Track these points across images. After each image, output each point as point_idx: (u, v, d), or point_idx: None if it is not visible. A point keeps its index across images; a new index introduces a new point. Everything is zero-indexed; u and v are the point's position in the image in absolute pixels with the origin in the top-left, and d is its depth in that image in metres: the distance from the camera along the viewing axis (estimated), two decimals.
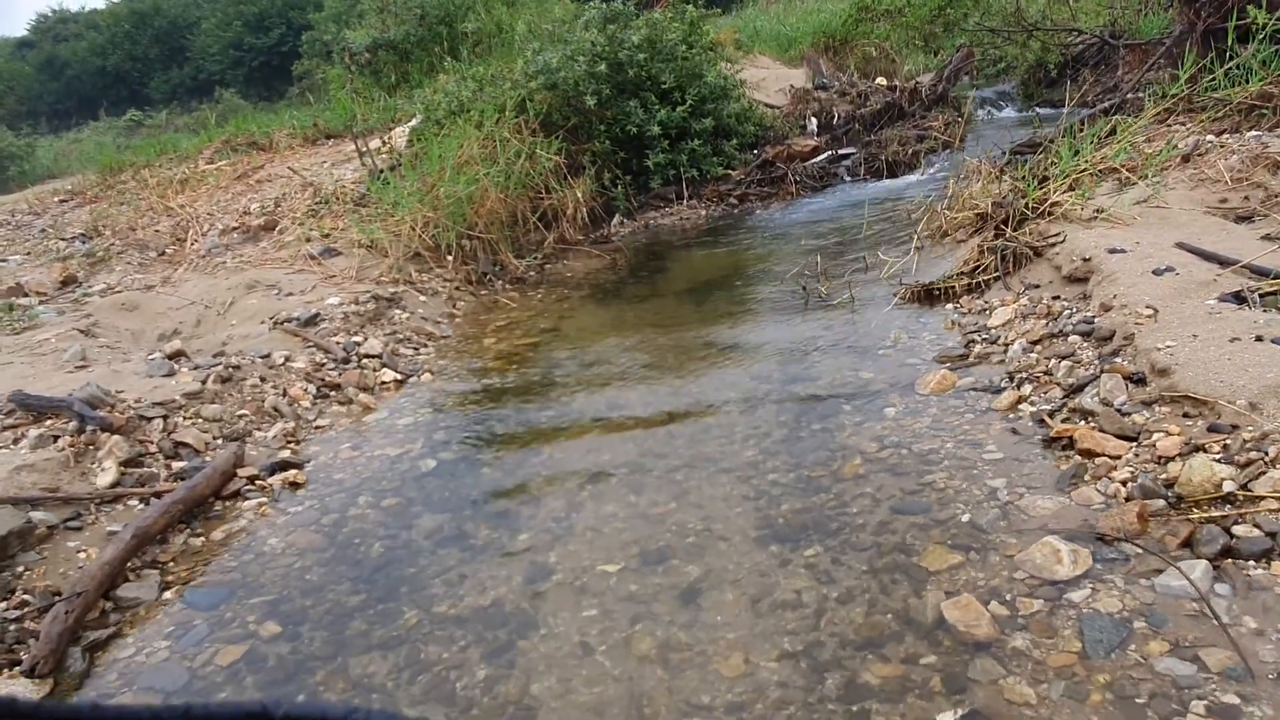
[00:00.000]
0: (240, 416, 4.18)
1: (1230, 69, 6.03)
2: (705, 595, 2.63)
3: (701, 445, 3.61)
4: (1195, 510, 2.40)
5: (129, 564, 3.07)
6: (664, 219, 8.62)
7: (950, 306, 4.60)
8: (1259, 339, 2.88)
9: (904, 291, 4.90)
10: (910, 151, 9.12)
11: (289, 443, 4.09)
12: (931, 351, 4.08)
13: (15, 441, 3.62)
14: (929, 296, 4.82)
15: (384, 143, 8.73)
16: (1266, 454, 2.40)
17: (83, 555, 3.11)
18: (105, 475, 3.49)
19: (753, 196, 8.92)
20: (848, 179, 9.14)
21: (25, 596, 2.86)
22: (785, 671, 2.25)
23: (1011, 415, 3.30)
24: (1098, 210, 4.67)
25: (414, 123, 9.05)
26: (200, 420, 4.05)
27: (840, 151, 9.55)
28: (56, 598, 2.84)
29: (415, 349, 5.33)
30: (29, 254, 7.92)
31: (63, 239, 8.24)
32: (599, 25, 8.99)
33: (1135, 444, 2.75)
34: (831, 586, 2.54)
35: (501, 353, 5.20)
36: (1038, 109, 10.25)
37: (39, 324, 5.48)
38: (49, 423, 3.73)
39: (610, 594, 2.72)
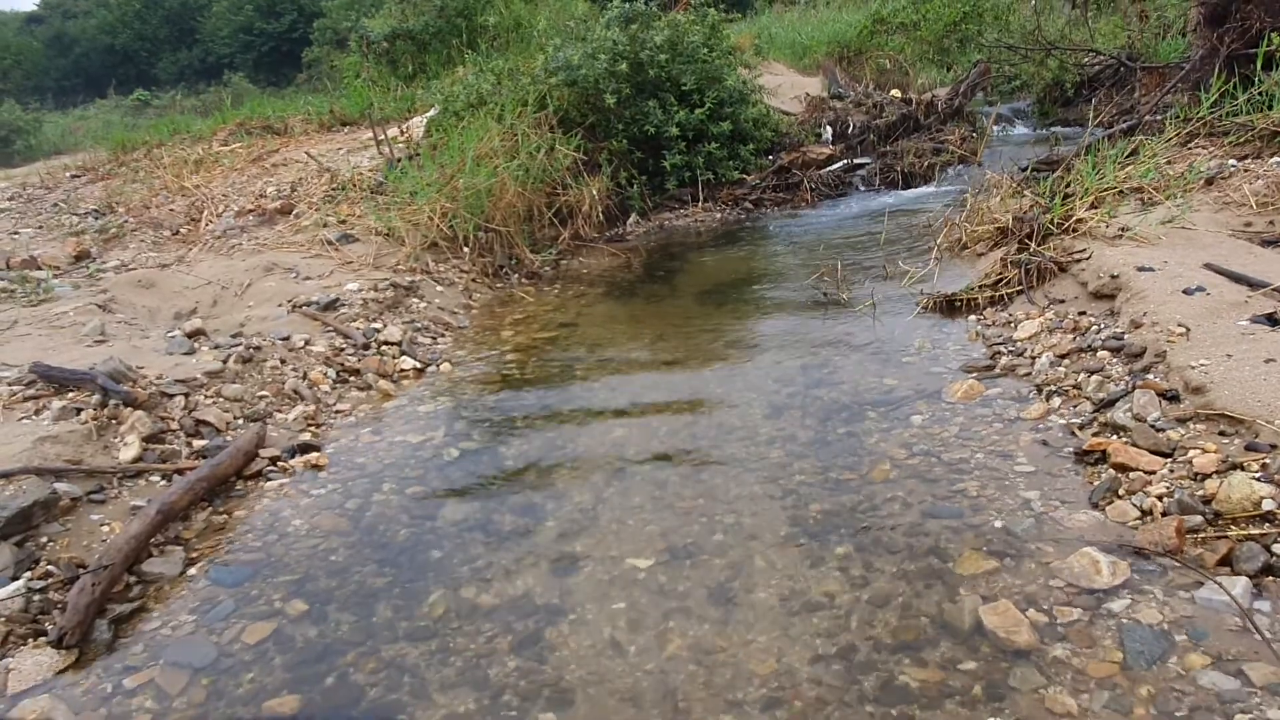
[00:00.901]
0: (261, 397, 4.17)
1: (1253, 95, 6.06)
2: (736, 591, 2.63)
3: (726, 445, 3.60)
4: (1234, 528, 2.40)
5: (153, 539, 3.05)
6: (678, 220, 8.63)
7: (973, 318, 4.61)
8: None
9: (926, 301, 4.91)
10: (926, 164, 9.14)
11: (310, 426, 4.07)
12: (956, 361, 4.08)
13: (38, 413, 3.60)
14: (951, 307, 4.82)
15: (402, 132, 8.72)
16: None
17: (106, 528, 3.09)
18: (128, 450, 3.47)
19: (767, 202, 8.93)
20: (862, 188, 9.17)
21: (50, 567, 2.84)
22: (821, 673, 2.24)
23: (1040, 427, 3.30)
24: (1123, 229, 4.69)
25: (432, 113, 9.04)
26: (221, 399, 4.04)
27: (855, 161, 9.57)
28: (81, 569, 2.82)
29: (433, 338, 5.32)
30: (41, 227, 7.88)
31: (75, 214, 8.21)
32: (620, 24, 8.99)
33: (1170, 460, 2.76)
34: (865, 589, 2.54)
35: (520, 345, 5.19)
36: (1054, 127, 10.28)
37: (55, 297, 5.45)
38: (71, 395, 3.71)
39: (639, 587, 2.71)
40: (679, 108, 8.62)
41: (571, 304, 6.10)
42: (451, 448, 3.82)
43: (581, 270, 7.11)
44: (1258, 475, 2.48)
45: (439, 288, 6.12)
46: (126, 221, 7.65)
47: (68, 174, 10.58)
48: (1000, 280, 4.80)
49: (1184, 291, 3.66)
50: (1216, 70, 6.49)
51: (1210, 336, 3.26)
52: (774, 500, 3.12)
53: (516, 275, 6.85)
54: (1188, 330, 3.34)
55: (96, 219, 7.92)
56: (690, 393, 4.24)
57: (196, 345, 4.50)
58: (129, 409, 3.66)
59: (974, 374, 3.86)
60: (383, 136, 8.33)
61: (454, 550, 3.02)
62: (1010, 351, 4.00)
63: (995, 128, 11.05)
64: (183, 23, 39.24)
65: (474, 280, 6.48)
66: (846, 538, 2.81)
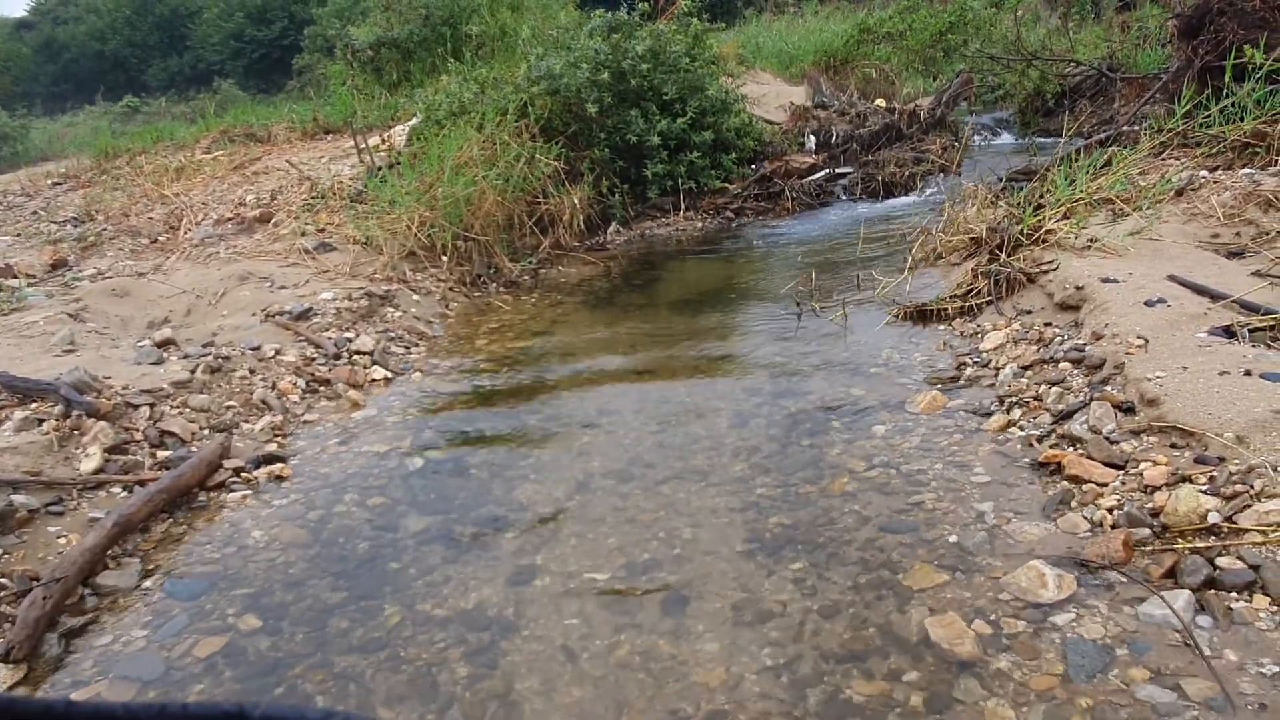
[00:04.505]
0: (228, 408, 4.16)
1: (1225, 107, 6.11)
2: (690, 604, 2.63)
3: (691, 457, 3.61)
4: (1180, 540, 2.41)
5: (110, 551, 3.04)
6: (660, 229, 8.65)
7: (943, 328, 4.63)
8: (1247, 373, 2.91)
9: (897, 311, 4.93)
10: (907, 173, 9.17)
11: (276, 436, 4.06)
12: (923, 372, 4.10)
13: None
14: (922, 317, 4.84)
15: (383, 140, 8.73)
16: (1252, 487, 2.42)
17: (63, 541, 3.08)
18: (89, 461, 3.46)
19: (749, 211, 8.95)
20: (844, 198, 9.19)
21: (2, 580, 2.83)
22: (768, 684, 2.25)
23: (1000, 439, 3.31)
24: (1091, 240, 4.72)
25: (414, 122, 9.05)
26: (187, 410, 4.03)
27: (838, 170, 9.60)
28: (35, 582, 2.81)
29: (407, 347, 5.32)
30: (19, 235, 7.86)
31: (54, 222, 8.19)
32: (603, 34, 9.02)
33: (1123, 472, 2.77)
34: (816, 600, 2.55)
35: (493, 354, 5.19)
36: (1034, 137, 10.33)
37: (27, 306, 5.43)
38: (34, 406, 3.70)
39: (594, 599, 2.71)
40: (661, 117, 8.64)
41: (548, 313, 6.10)
42: (416, 457, 3.81)
43: (561, 279, 7.12)
44: (1204, 488, 2.50)
45: (415, 297, 6.11)
46: (105, 229, 7.63)
47: (49, 181, 10.55)
48: (970, 291, 4.82)
49: (1145, 303, 3.68)
50: (1190, 82, 6.54)
51: (1168, 348, 3.28)
52: (734, 513, 3.12)
53: (495, 284, 6.85)
54: (1146, 342, 3.36)
55: (75, 227, 7.90)
56: (659, 403, 4.24)
57: (165, 355, 4.49)
58: (92, 420, 3.65)
59: (938, 385, 3.87)
60: (364, 145, 8.33)
61: (412, 562, 3.02)
62: (976, 362, 4.01)
63: (978, 137, 11.11)
64: (173, 29, 39.16)
65: (451, 289, 6.48)
66: (803, 552, 2.81)
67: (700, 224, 8.72)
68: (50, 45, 40.83)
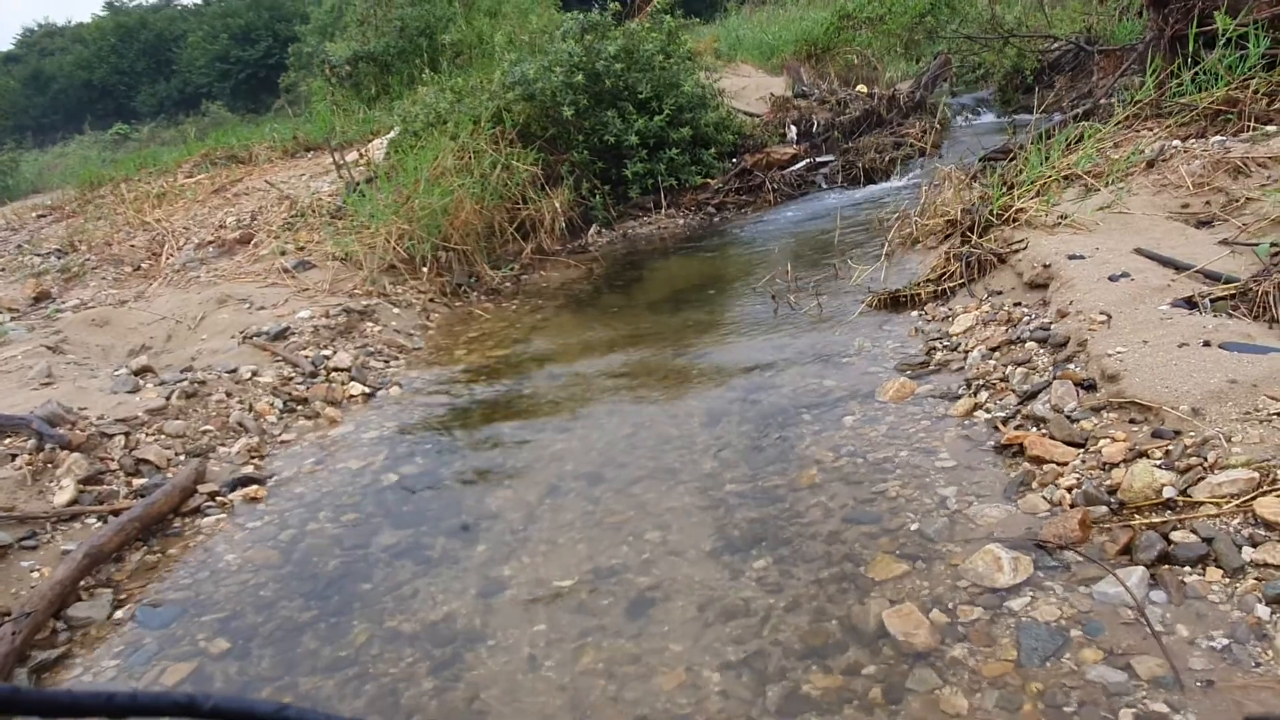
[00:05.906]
0: (204, 432, 4.17)
1: (1197, 74, 6.07)
2: (655, 607, 2.63)
3: (663, 457, 3.61)
4: (1136, 516, 2.41)
5: (82, 583, 3.05)
6: (642, 228, 8.64)
7: (915, 314, 4.62)
8: (1206, 344, 2.90)
9: (871, 299, 4.92)
10: (887, 159, 9.16)
11: (252, 458, 4.07)
12: (894, 359, 4.09)
13: None
14: (896, 304, 4.83)
15: (361, 155, 8.74)
16: (1206, 459, 2.41)
17: (37, 575, 3.09)
18: (63, 493, 3.48)
19: (731, 205, 8.94)
20: (825, 186, 9.18)
21: None
22: (728, 682, 2.25)
23: (966, 422, 3.31)
24: (1061, 216, 4.70)
25: (392, 135, 9.06)
26: (163, 436, 4.04)
27: (819, 159, 9.58)
28: (5, 618, 2.82)
29: (385, 362, 5.33)
30: (3, 270, 7.89)
31: (38, 254, 8.22)
32: (576, 36, 9.01)
33: (1083, 450, 2.76)
34: (779, 597, 2.55)
35: (472, 365, 5.20)
36: (1014, 115, 10.30)
37: (7, 341, 5.46)
38: (7, 441, 3.71)
39: (561, 607, 2.72)
40: (638, 116, 8.64)
41: (528, 319, 6.11)
42: (390, 473, 3.82)
43: (542, 283, 7.13)
44: (1159, 463, 2.49)
45: (395, 310, 6.12)
46: (88, 259, 7.66)
47: (34, 214, 10.60)
48: (944, 274, 4.80)
49: (1110, 278, 3.67)
50: (1158, 52, 6.50)
51: (1130, 323, 3.27)
52: (703, 512, 3.12)
53: (476, 293, 6.86)
54: (1109, 318, 3.34)
55: (59, 258, 7.93)
56: (634, 404, 4.25)
57: (142, 382, 4.50)
58: (65, 452, 3.67)
59: (908, 372, 3.86)
60: (342, 161, 8.34)
61: (383, 578, 3.02)
62: (945, 347, 4.00)
63: (959, 118, 11.08)
64: (159, 54, 39.33)
65: (431, 300, 6.49)
66: (768, 549, 2.81)
67: (682, 221, 8.71)
68: (38, 77, 41.03)
